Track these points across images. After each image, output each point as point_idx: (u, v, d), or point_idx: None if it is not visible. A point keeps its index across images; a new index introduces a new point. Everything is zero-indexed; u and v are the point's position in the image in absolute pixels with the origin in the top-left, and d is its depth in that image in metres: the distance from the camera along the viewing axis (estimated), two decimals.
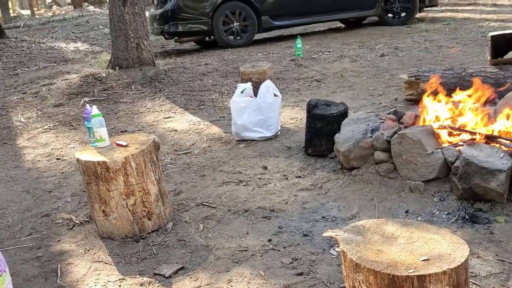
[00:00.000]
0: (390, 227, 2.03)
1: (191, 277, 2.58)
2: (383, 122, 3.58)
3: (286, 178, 3.72)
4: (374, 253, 1.86)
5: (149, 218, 3.06)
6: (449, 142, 3.26)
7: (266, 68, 5.46)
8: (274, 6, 9.54)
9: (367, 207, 3.12)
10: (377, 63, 7.23)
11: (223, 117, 5.53)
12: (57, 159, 4.66)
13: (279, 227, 3.00)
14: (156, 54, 9.01)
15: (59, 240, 3.14)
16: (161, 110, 5.99)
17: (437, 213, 2.91)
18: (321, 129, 3.93)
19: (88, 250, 2.97)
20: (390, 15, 10.45)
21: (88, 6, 23.53)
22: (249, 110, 4.50)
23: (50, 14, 23.94)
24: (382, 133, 3.38)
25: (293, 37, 9.62)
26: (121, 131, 5.17)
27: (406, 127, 3.44)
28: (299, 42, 7.86)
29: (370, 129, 3.53)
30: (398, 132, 3.26)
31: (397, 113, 3.76)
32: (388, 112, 3.86)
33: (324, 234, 2.07)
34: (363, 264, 1.79)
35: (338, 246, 2.27)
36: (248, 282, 2.48)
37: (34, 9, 30.28)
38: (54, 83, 7.31)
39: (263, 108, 4.49)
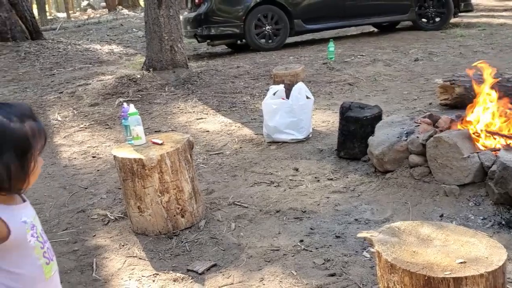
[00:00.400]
0: (426, 229, 2.01)
1: (223, 274, 2.61)
2: (418, 125, 3.54)
3: (318, 180, 3.72)
4: (409, 254, 1.84)
5: (183, 216, 3.11)
6: (485, 146, 3.20)
7: (298, 70, 5.47)
8: (306, 10, 9.54)
9: (401, 211, 3.09)
10: (411, 67, 7.16)
11: (255, 119, 5.56)
12: (93, 157, 4.76)
13: (311, 228, 3.01)
14: (189, 57, 9.11)
15: (95, 235, 3.22)
16: (194, 111, 6.06)
17: (472, 217, 2.87)
18: (355, 132, 3.92)
19: (123, 245, 3.03)
20: (424, 20, 10.32)
21: (122, 9, 23.99)
22: (281, 112, 4.51)
23: (85, 17, 24.50)
24: (417, 137, 3.35)
25: (325, 40, 9.60)
26: (155, 131, 5.25)
27: (441, 131, 3.39)
28: (331, 46, 7.84)
29: (405, 132, 3.50)
30: (434, 136, 3.23)
31: (432, 117, 3.71)
32: (423, 116, 3.81)
33: (359, 235, 2.07)
34: (399, 265, 1.78)
35: (371, 248, 2.26)
36: (280, 281, 2.49)
37: (70, 12, 31.04)
38: (90, 84, 7.48)
39: (295, 110, 4.49)
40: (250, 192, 3.62)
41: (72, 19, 25.00)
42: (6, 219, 1.34)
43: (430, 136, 3.26)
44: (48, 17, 25.39)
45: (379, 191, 3.39)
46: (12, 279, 1.38)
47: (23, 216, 1.40)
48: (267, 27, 9.39)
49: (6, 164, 1.30)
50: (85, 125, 5.84)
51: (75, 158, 4.80)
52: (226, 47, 10.77)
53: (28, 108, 1.40)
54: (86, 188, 4.01)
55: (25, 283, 1.40)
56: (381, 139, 3.58)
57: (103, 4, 31.58)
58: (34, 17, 12.16)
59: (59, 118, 6.15)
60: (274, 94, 4.63)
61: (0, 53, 9.97)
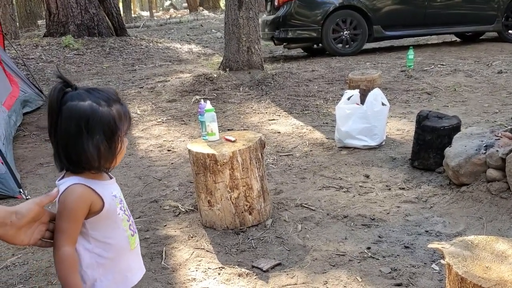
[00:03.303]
0: (501, 245, 1.93)
1: (287, 274, 2.62)
2: (499, 139, 3.39)
3: (389, 189, 3.65)
4: (482, 269, 1.78)
5: (250, 213, 3.16)
6: None
7: (375, 76, 5.38)
8: (387, 16, 9.37)
9: (475, 226, 2.97)
10: (493, 79, 6.85)
11: (327, 123, 5.53)
12: (168, 150, 4.94)
13: (379, 236, 2.96)
14: (265, 59, 9.21)
15: (165, 225, 3.33)
16: (266, 112, 6.13)
17: None
18: (431, 142, 3.81)
19: (192, 237, 3.12)
20: (510, 31, 9.84)
21: (203, 10, 24.62)
22: (354, 118, 4.46)
23: (167, 16, 25.36)
24: (497, 150, 3.20)
25: (404, 48, 9.38)
26: (228, 129, 5.36)
27: None
28: (411, 53, 7.65)
29: (484, 145, 3.36)
30: None
31: None
32: (505, 130, 3.64)
33: (430, 245, 2.02)
34: (470, 279, 1.72)
35: (442, 260, 2.19)
36: (344, 286, 2.47)
37: (153, 11, 32.24)
38: (169, 81, 7.75)
39: (369, 116, 4.42)
40: (318, 195, 3.62)
41: (155, 18, 25.98)
42: (100, 193, 1.46)
43: (511, 150, 3.11)
44: (133, 15, 26.50)
45: (452, 204, 3.28)
46: (104, 248, 1.50)
47: (113, 190, 1.53)
48: (345, 32, 9.31)
49: (96, 145, 1.41)
50: (162, 119, 6.05)
51: (151, 150, 4.99)
52: (302, 51, 10.79)
53: (114, 92, 1.50)
54: (160, 180, 4.16)
55: (114, 252, 1.52)
56: (458, 150, 3.45)
57: (185, 4, 32.55)
58: (120, 15, 12.74)
59: (139, 112, 6.42)
60: (348, 99, 4.58)
61: (87, 48, 10.55)
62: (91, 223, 1.47)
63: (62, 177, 1.48)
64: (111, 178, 1.57)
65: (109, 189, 1.51)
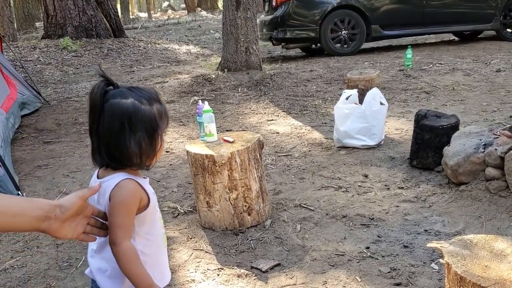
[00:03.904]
0: (500, 244, 1.92)
1: (286, 274, 2.62)
2: (497, 137, 3.39)
3: (388, 188, 3.64)
4: (481, 268, 1.77)
5: (249, 214, 3.15)
6: None
7: (374, 75, 5.38)
8: (385, 16, 9.37)
9: (474, 225, 2.97)
10: (492, 78, 6.85)
11: (325, 123, 5.53)
12: (166, 151, 4.93)
13: (378, 236, 2.95)
14: (263, 59, 9.21)
15: (164, 227, 3.31)
16: (265, 113, 6.12)
17: None
18: (429, 141, 3.80)
19: (191, 238, 3.11)
20: (509, 30, 9.86)
21: (201, 11, 24.63)
22: (353, 117, 4.46)
23: (166, 17, 25.35)
24: (496, 149, 3.20)
25: (402, 47, 9.38)
26: (226, 130, 5.35)
27: None
28: (409, 53, 7.65)
29: (483, 144, 3.36)
30: None
31: None
32: (503, 128, 3.64)
33: (429, 245, 2.01)
34: (469, 278, 1.72)
35: (441, 260, 2.19)
36: (344, 286, 2.46)
37: (151, 12, 32.21)
38: (167, 82, 7.75)
39: (367, 116, 4.42)
40: (317, 196, 3.61)
41: (153, 19, 25.98)
42: (146, 188, 1.48)
43: (510, 149, 3.11)
44: (131, 17, 26.49)
45: (451, 203, 3.28)
46: (145, 245, 1.51)
47: (151, 188, 1.54)
48: (343, 31, 9.31)
49: (138, 142, 1.43)
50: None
51: None
52: (300, 51, 10.79)
53: (155, 92, 1.54)
54: (159, 181, 4.15)
55: (153, 249, 1.54)
56: (457, 149, 3.45)
57: (183, 5, 32.55)
58: (118, 16, 12.74)
59: None
60: (347, 98, 4.58)
61: (85, 49, 10.54)
62: (138, 219, 1.48)
63: (98, 174, 1.50)
64: (144, 177, 1.58)
65: (149, 186, 1.53)
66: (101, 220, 1.43)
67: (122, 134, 1.42)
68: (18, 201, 1.22)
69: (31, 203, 1.23)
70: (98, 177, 1.49)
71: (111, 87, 1.47)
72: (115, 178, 1.45)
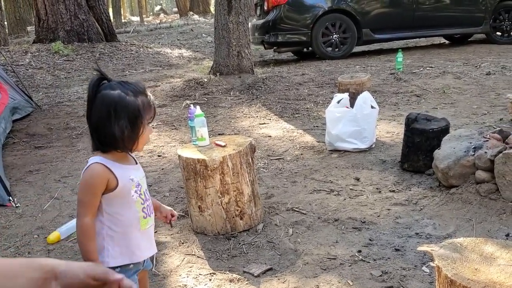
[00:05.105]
0: (490, 247, 1.94)
1: (278, 279, 2.62)
2: (487, 140, 3.41)
3: (379, 191, 3.66)
4: (471, 271, 1.79)
5: (241, 218, 3.15)
6: None
7: (364, 79, 5.41)
8: (376, 19, 9.42)
9: (464, 227, 2.99)
10: (482, 81, 6.90)
11: (317, 126, 5.55)
12: (158, 156, 4.92)
13: (370, 239, 2.97)
14: (255, 63, 9.22)
15: (156, 232, 3.31)
16: (257, 116, 6.13)
17: None
18: (420, 144, 3.83)
19: (182, 243, 3.11)
20: (498, 33, 9.94)
21: (193, 15, 24.63)
22: (344, 121, 4.48)
23: (158, 21, 25.34)
24: (486, 152, 3.23)
25: (393, 51, 9.43)
26: (219, 134, 5.36)
27: (511, 147, 3.25)
28: (400, 56, 7.69)
29: (473, 147, 3.39)
30: (503, 152, 3.10)
31: (503, 133, 3.56)
32: (493, 131, 3.67)
33: (419, 248, 2.03)
34: (459, 281, 1.73)
35: (431, 263, 2.20)
36: None
37: (143, 16, 32.18)
38: (159, 86, 7.74)
39: (358, 119, 4.44)
40: (309, 199, 3.62)
41: (145, 23, 25.93)
42: (116, 173, 1.72)
43: (499, 152, 3.14)
44: (123, 20, 26.45)
45: (442, 206, 3.30)
46: (114, 222, 1.76)
47: (131, 175, 1.77)
48: (335, 35, 9.35)
49: (121, 128, 1.67)
50: (152, 125, 6.02)
51: (142, 156, 4.97)
52: (292, 55, 10.82)
53: (142, 86, 1.77)
54: (150, 186, 4.14)
55: (123, 228, 1.77)
56: (447, 152, 3.48)
57: (175, 9, 32.53)
58: (110, 20, 12.69)
59: None
60: (338, 102, 4.60)
61: (77, 54, 10.50)
62: (106, 199, 1.73)
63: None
64: (136, 163, 1.85)
65: (128, 172, 1.76)
66: None
67: (108, 120, 1.66)
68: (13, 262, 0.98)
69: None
70: None
71: (105, 81, 1.71)
72: (90, 160, 1.74)
